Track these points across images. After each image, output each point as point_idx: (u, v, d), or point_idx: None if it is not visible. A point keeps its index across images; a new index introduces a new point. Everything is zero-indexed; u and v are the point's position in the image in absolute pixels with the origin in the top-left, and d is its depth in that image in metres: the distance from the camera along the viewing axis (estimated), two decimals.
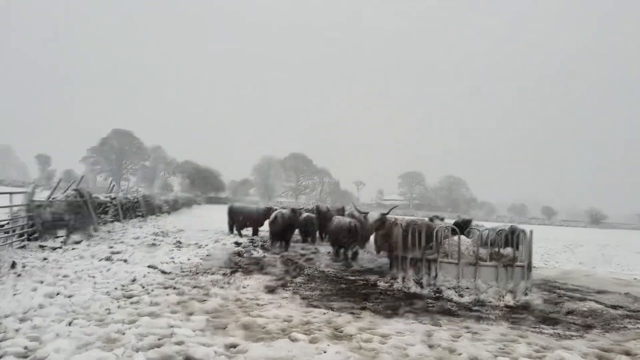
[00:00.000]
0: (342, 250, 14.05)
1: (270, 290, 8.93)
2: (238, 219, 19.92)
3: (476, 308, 8.15)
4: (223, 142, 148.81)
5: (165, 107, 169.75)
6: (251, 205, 22.99)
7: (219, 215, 27.92)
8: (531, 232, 9.12)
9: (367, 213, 13.60)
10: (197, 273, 10.27)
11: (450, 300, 8.46)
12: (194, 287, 8.79)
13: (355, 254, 13.89)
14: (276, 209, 19.10)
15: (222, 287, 8.90)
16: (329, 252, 14.61)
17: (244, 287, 9.03)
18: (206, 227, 23.41)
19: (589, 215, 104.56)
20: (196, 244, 15.12)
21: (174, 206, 38.54)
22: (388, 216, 13.22)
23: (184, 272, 10.35)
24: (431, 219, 11.86)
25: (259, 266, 11.81)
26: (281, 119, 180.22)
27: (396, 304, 8.26)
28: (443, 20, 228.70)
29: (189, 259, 11.90)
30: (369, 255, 14.03)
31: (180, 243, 14.97)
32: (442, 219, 14.11)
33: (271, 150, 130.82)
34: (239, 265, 11.79)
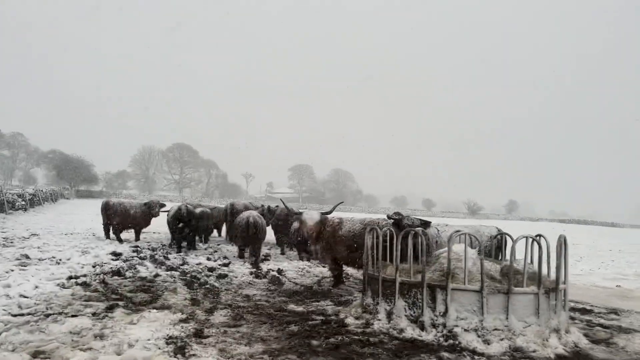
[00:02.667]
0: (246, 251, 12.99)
1: (179, 348, 5.17)
2: (115, 219, 15.38)
3: None
4: (97, 130, 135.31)
5: (29, 90, 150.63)
6: (132, 200, 18.17)
7: (90, 212, 22.78)
8: (564, 239, 6.30)
9: (299, 213, 10.22)
10: (48, 316, 6.17)
11: (474, 352, 5.37)
12: (35, 353, 4.79)
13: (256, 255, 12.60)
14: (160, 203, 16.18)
15: (89, 349, 5.00)
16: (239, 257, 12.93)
17: (129, 345, 5.19)
18: (73, 228, 18.38)
19: (467, 206, 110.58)
20: (53, 258, 10.56)
21: (33, 201, 31.81)
22: (331, 216, 9.97)
23: (23, 314, 6.19)
24: (397, 219, 8.78)
25: (151, 294, 7.89)
26: (163, 107, 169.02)
27: None
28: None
29: (36, 288, 7.61)
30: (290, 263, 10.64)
31: (28, 258, 10.29)
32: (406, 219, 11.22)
33: (152, 140, 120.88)
34: (120, 294, 7.76)
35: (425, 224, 8.51)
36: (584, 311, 8.17)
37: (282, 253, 14.78)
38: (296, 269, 11.66)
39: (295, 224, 13.55)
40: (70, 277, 8.61)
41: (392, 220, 8.82)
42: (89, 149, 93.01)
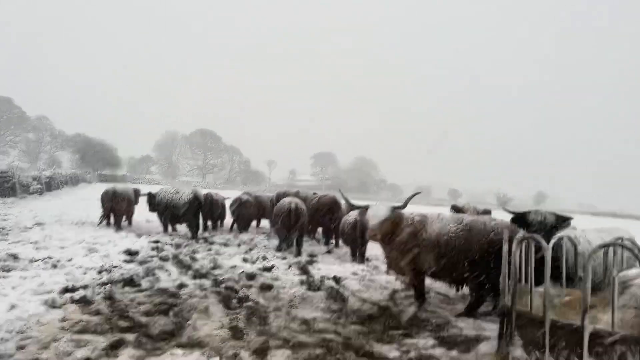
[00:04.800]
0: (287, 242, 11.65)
1: None
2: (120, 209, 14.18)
3: None
4: (121, 114, 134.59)
5: (52, 74, 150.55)
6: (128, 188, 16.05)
7: None
8: None
9: (365, 207, 7.84)
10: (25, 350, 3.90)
11: None
12: None
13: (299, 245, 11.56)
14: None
15: None
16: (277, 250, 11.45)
17: None
18: (87, 216, 16.24)
19: (497, 197, 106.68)
20: (49, 259, 8.23)
21: (50, 185, 29.99)
22: (407, 212, 7.55)
23: None
24: (518, 214, 6.31)
25: (174, 318, 5.57)
26: (188, 91, 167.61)
27: None
28: None
29: (12, 308, 5.35)
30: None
31: (15, 259, 8.02)
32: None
33: (176, 125, 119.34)
34: (131, 318, 5.46)
35: (565, 222, 5.97)
36: None
37: (328, 251, 12.37)
38: (354, 276, 9.25)
39: (350, 218, 11.15)
40: (65, 290, 6.33)
41: (513, 216, 6.34)
42: (113, 133, 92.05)
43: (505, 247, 4.77)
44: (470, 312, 6.62)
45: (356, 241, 10.81)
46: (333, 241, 14.42)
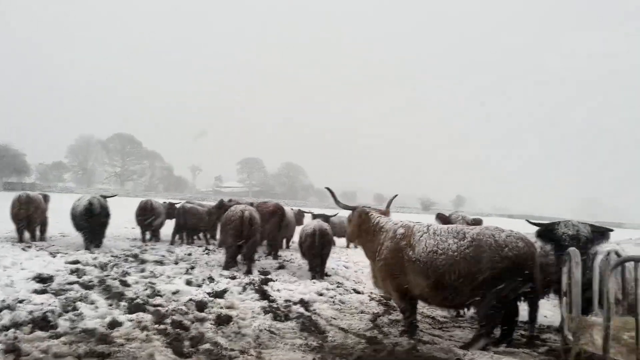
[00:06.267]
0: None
1: None
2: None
3: None
4: (29, 117, 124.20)
5: None
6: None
7: None
8: None
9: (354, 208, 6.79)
10: None
11: None
12: None
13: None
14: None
15: None
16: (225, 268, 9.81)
17: None
18: None
19: (421, 202, 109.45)
20: None
21: None
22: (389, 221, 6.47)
23: None
24: (545, 226, 5.32)
25: None
26: (105, 94, 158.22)
27: None
28: None
29: None
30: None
31: None
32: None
33: (91, 129, 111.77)
34: None
35: (603, 234, 5.00)
36: None
37: (281, 266, 10.92)
38: (320, 297, 7.92)
39: (309, 228, 9.84)
40: None
41: (539, 229, 5.32)
42: (20, 137, 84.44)
43: (566, 269, 3.68)
44: (481, 343, 5.51)
45: (317, 254, 9.50)
46: (280, 254, 13.05)
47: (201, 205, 15.49)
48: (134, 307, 6.23)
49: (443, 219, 7.94)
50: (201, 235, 15.80)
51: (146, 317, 5.81)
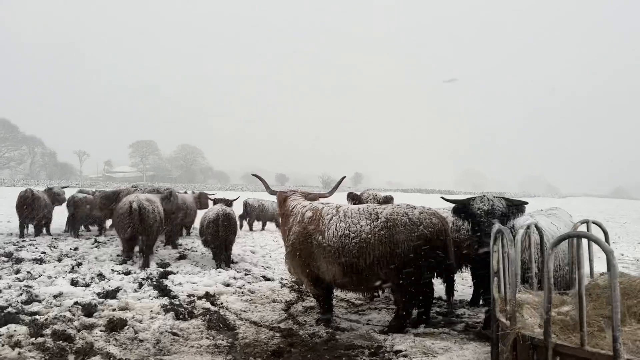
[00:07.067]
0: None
1: None
2: None
3: None
4: None
5: None
6: None
7: None
8: None
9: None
10: None
11: None
12: None
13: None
14: None
15: None
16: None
17: None
18: None
19: (322, 180, 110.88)
20: None
21: None
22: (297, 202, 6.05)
23: None
24: (462, 202, 5.14)
25: None
26: None
27: None
28: None
29: None
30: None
31: None
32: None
33: None
34: None
35: (518, 207, 4.89)
36: None
37: (182, 256, 10.10)
38: (227, 288, 7.32)
39: (211, 213, 9.12)
40: None
41: (454, 205, 5.12)
42: None
43: (496, 247, 3.44)
44: (401, 326, 5.26)
45: (221, 242, 8.83)
46: (181, 242, 12.20)
47: (93, 193, 14.13)
48: (4, 318, 5.22)
49: (354, 198, 7.64)
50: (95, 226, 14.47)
51: (20, 330, 4.85)
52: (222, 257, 8.94)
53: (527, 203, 4.93)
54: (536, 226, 4.22)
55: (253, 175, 7.12)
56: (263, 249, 11.68)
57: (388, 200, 7.48)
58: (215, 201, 10.29)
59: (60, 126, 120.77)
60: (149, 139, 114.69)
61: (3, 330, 4.82)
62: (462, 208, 5.02)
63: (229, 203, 10.07)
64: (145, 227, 8.97)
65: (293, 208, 6.03)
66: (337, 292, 6.66)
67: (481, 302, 6.63)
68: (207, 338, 5.03)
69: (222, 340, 5.01)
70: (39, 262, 8.67)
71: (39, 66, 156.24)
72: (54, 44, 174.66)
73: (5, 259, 8.82)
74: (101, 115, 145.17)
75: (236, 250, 10.44)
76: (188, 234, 14.47)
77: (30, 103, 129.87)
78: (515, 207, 4.83)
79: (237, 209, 12.84)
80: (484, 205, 4.79)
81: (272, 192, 6.62)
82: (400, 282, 5.13)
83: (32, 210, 12.49)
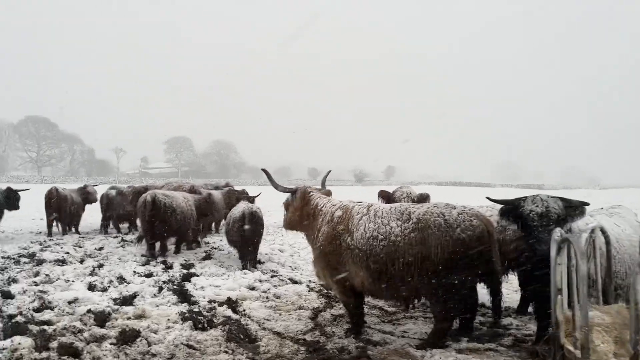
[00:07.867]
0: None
1: None
2: None
3: None
4: None
5: None
6: None
7: None
8: None
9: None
10: None
11: None
12: None
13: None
14: None
15: None
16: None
17: None
18: None
19: (354, 174, 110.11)
20: None
21: None
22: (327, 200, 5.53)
23: None
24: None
25: None
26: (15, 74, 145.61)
27: None
28: None
29: None
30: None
31: None
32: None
33: (3, 112, 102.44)
34: None
35: (577, 209, 4.18)
36: None
37: (207, 256, 9.70)
38: (252, 292, 6.87)
39: (237, 212, 8.70)
40: None
41: (502, 207, 4.48)
42: None
43: (562, 259, 2.81)
44: (440, 340, 4.66)
45: (247, 242, 8.39)
46: (208, 240, 11.85)
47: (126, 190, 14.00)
48: (11, 328, 4.88)
49: (386, 196, 7.03)
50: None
51: (24, 343, 4.48)
52: (249, 257, 8.50)
53: (588, 204, 4.21)
54: (602, 230, 3.56)
55: (262, 169, 6.55)
56: (292, 247, 11.19)
57: (424, 198, 6.82)
58: (238, 198, 9.92)
59: (98, 124, 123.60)
60: (183, 135, 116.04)
61: (7, 343, 4.46)
62: (512, 210, 4.36)
63: (251, 200, 9.66)
64: (165, 221, 8.77)
65: (323, 207, 5.48)
66: (368, 299, 6.11)
67: (530, 309, 5.94)
68: (225, 352, 4.55)
69: (242, 354, 4.52)
70: (60, 263, 8.41)
71: (78, 65, 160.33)
72: (93, 42, 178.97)
73: (27, 259, 8.62)
74: (137, 112, 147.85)
75: (264, 248, 10.00)
76: (217, 231, 14.14)
77: (70, 101, 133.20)
78: (574, 209, 4.12)
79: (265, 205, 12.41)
80: (537, 206, 4.10)
81: (284, 190, 5.94)
82: (437, 291, 4.53)
83: (58, 209, 12.38)
